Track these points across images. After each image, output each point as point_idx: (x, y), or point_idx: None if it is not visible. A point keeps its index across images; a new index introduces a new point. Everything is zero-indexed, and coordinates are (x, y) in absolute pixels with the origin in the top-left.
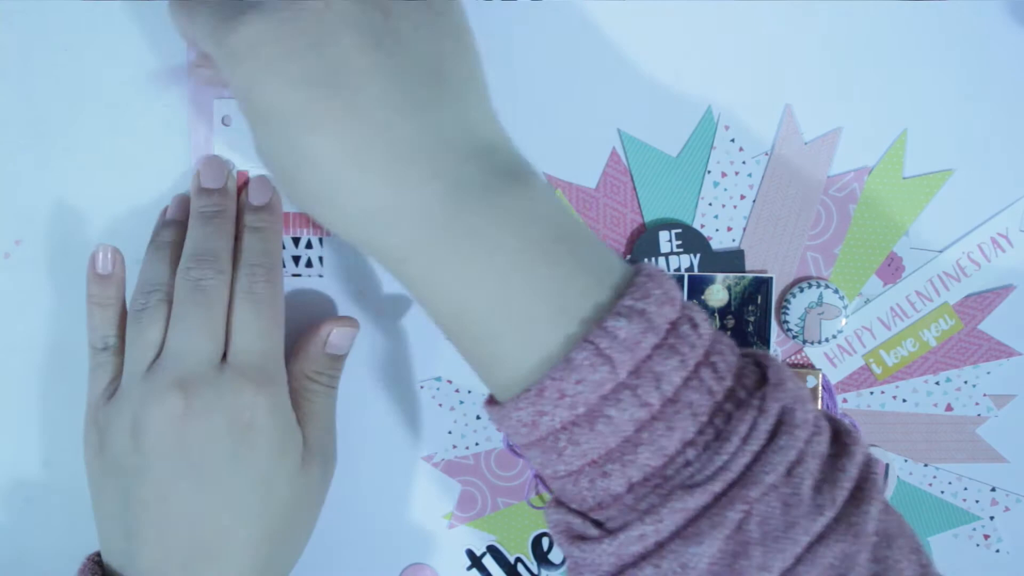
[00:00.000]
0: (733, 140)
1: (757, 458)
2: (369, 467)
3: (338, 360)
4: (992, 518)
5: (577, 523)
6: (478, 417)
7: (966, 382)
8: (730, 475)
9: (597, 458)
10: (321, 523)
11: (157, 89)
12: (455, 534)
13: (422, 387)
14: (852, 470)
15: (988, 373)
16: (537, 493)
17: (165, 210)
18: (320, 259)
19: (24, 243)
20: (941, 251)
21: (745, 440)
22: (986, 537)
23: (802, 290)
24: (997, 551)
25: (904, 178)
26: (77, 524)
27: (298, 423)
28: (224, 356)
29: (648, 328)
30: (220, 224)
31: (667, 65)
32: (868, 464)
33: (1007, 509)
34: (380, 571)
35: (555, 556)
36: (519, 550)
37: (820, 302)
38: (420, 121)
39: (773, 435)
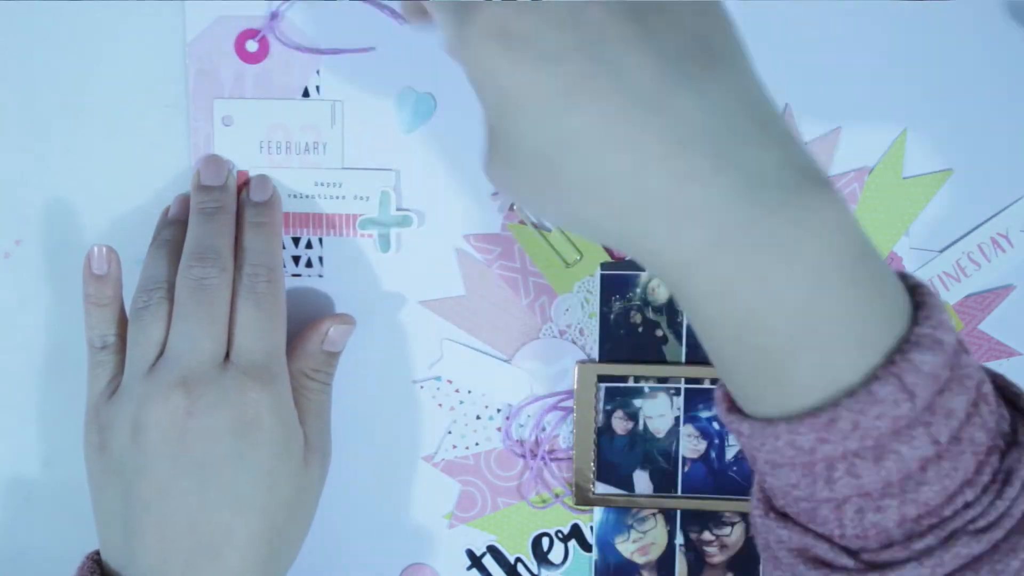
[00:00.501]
0: None
1: None
2: (369, 467)
3: (334, 357)
4: None
5: (823, 548)
6: (478, 417)
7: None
8: (1011, 521)
9: (873, 491)
10: (321, 523)
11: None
12: (455, 534)
13: (422, 387)
14: None
15: None
16: (537, 493)
17: (167, 210)
18: (320, 259)
19: (24, 243)
20: (941, 251)
21: None
22: None
23: None
24: None
25: (904, 178)
26: (77, 524)
27: (298, 421)
28: (227, 355)
29: (947, 360)
30: (221, 221)
31: None
32: None
33: None
34: (380, 571)
35: (555, 556)
36: (519, 550)
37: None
38: (698, 97)
39: None
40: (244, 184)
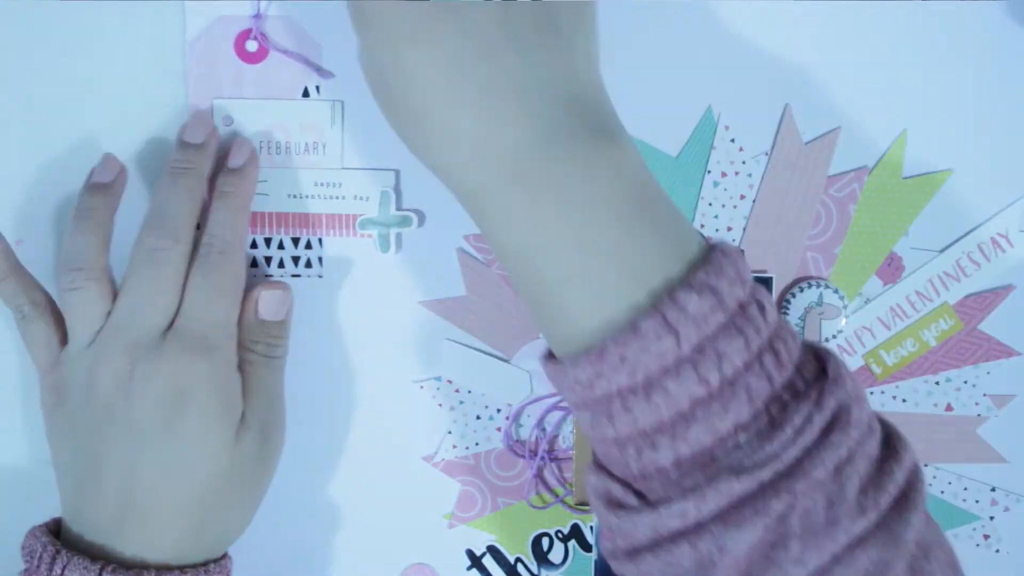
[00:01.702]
0: (733, 140)
1: (808, 452)
2: (369, 467)
3: (274, 327)
4: (992, 518)
5: (617, 490)
6: (478, 417)
7: (966, 382)
8: (779, 465)
9: (648, 428)
10: (322, 522)
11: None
12: (455, 534)
13: (422, 387)
14: (899, 476)
15: (988, 373)
16: (537, 493)
17: (92, 171)
18: (320, 259)
19: (24, 243)
20: (941, 251)
21: (798, 432)
22: (986, 537)
23: (802, 290)
24: (997, 551)
25: (904, 178)
26: None
27: (241, 395)
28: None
29: (717, 306)
30: (187, 185)
31: (667, 66)
32: (915, 472)
33: (1007, 509)
34: (380, 571)
35: (555, 556)
36: (519, 550)
37: (820, 302)
38: (524, 60)
39: (826, 431)
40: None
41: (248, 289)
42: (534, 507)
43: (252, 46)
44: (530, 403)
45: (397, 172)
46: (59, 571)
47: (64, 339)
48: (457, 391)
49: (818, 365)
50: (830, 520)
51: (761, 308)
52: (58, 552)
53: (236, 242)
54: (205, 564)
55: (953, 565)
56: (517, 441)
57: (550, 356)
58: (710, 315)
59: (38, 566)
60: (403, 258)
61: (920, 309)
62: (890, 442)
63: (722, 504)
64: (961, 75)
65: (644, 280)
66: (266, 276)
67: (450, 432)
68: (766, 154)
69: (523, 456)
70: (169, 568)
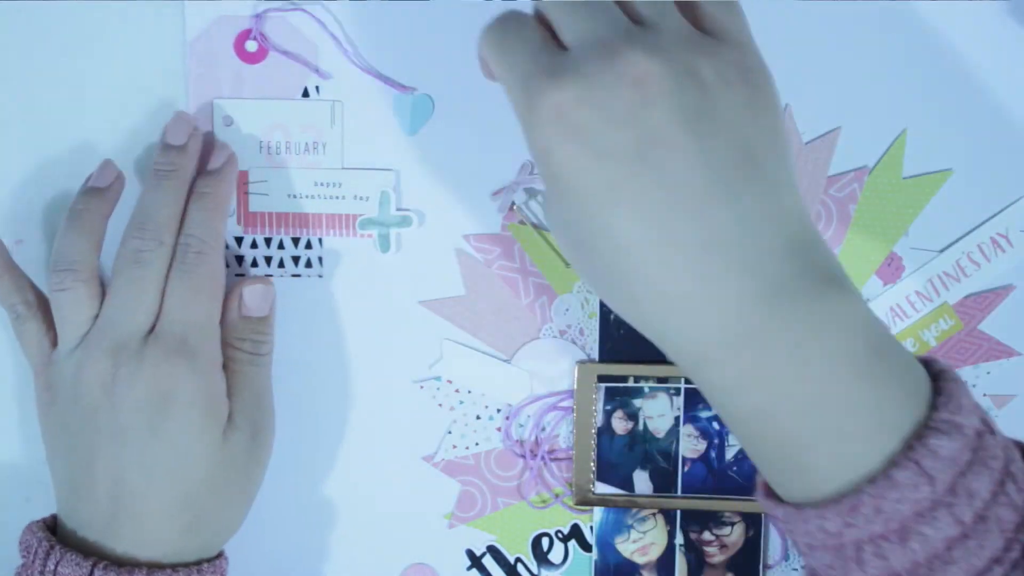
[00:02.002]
0: None
1: None
2: (369, 467)
3: (259, 324)
4: None
5: None
6: (478, 417)
7: (966, 382)
8: None
9: (902, 571)
10: (322, 523)
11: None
12: (455, 534)
13: (422, 387)
14: None
15: (988, 373)
16: (537, 493)
17: (89, 176)
18: (320, 259)
19: (24, 243)
20: (941, 251)
21: None
22: None
23: None
24: None
25: (904, 178)
26: None
27: (227, 394)
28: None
29: (965, 443)
30: (170, 187)
31: None
32: None
33: None
34: (380, 571)
35: (555, 556)
36: (519, 550)
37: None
38: (733, 208)
39: None
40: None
41: (230, 287)
42: (534, 507)
43: (252, 46)
44: (530, 403)
45: (397, 172)
46: (52, 566)
47: (56, 339)
48: (457, 391)
49: None
50: None
51: (992, 431)
52: (52, 548)
53: (212, 242)
54: (198, 563)
55: None
56: (517, 441)
57: (774, 496)
58: (960, 455)
59: (33, 561)
60: (403, 258)
61: (920, 309)
62: None
63: None
64: (961, 75)
65: (893, 429)
66: (266, 276)
67: (450, 432)
68: None
69: (523, 456)
70: (160, 566)
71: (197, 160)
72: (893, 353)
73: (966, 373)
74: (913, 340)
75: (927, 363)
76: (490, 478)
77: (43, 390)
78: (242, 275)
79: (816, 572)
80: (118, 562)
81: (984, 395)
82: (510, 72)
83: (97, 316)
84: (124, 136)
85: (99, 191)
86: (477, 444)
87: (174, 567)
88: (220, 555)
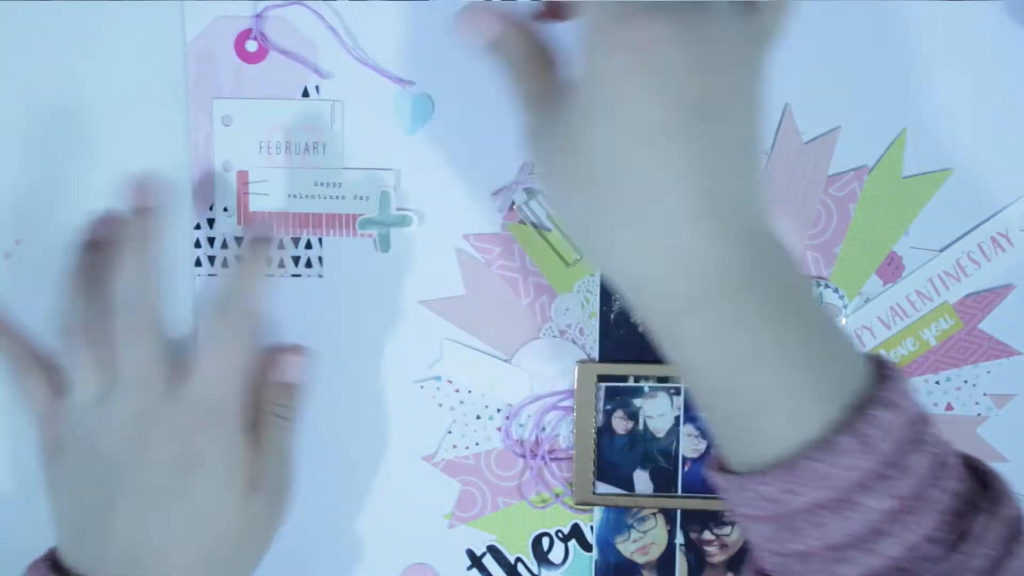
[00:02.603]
0: None
1: (996, 562)
2: (369, 467)
3: (292, 390)
4: None
5: None
6: (478, 417)
7: (966, 381)
8: (968, 575)
9: (838, 543)
10: (322, 522)
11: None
12: (455, 534)
13: (422, 387)
14: None
15: (988, 372)
16: (537, 493)
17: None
18: (320, 259)
19: (24, 243)
20: (941, 250)
21: (982, 542)
22: None
23: None
24: None
25: (904, 177)
26: None
27: (251, 453)
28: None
29: (907, 422)
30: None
31: None
32: None
33: None
34: (380, 571)
35: (555, 556)
36: (519, 550)
37: (820, 301)
38: (751, 178)
39: (1008, 541)
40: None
41: (269, 352)
42: (534, 507)
43: (252, 46)
44: (530, 403)
45: (397, 172)
46: None
47: (60, 389)
48: (457, 391)
49: (973, 475)
50: None
51: (931, 424)
52: None
53: (255, 313)
54: None
55: None
56: (517, 441)
57: (722, 468)
58: (901, 432)
59: None
60: (403, 258)
61: (920, 308)
62: None
63: None
64: (960, 74)
65: (839, 394)
66: (265, 276)
67: (450, 432)
68: (766, 154)
69: (523, 456)
70: None
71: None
72: (842, 333)
73: (966, 372)
74: (914, 339)
75: (874, 357)
76: (490, 478)
77: (48, 442)
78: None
79: (756, 547)
80: None
81: (984, 394)
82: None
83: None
84: (124, 136)
85: (92, 244)
86: (477, 444)
87: None
88: None
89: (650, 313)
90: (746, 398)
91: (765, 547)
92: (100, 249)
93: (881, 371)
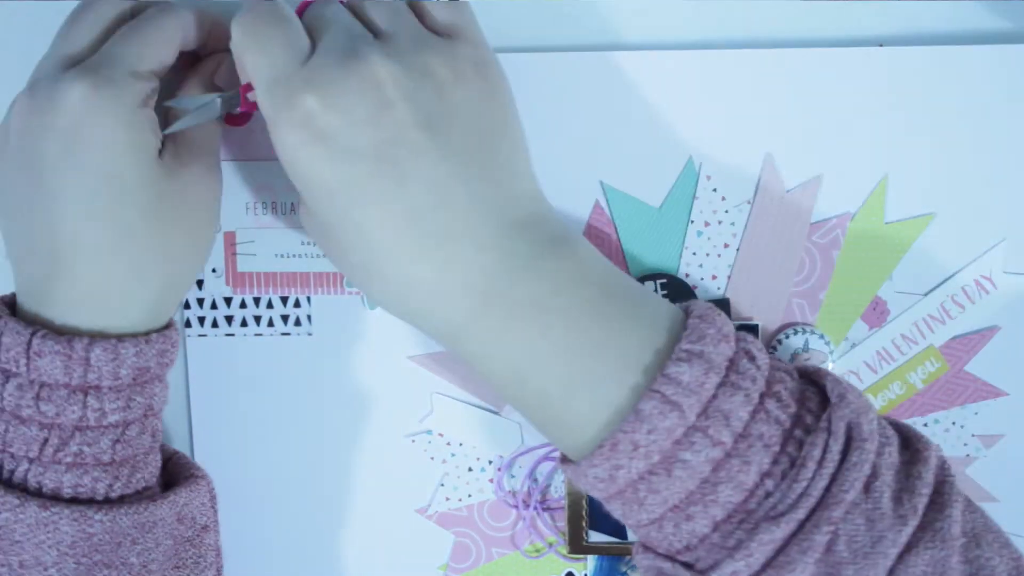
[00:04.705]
0: (715, 190)
1: (834, 479)
2: (363, 521)
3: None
4: None
5: (667, 567)
6: (470, 469)
7: (954, 423)
8: (811, 500)
9: (679, 502)
10: (318, 575)
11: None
12: None
13: (413, 441)
14: (928, 475)
15: (976, 414)
16: (531, 543)
17: None
18: (308, 317)
19: None
20: (925, 294)
21: (820, 463)
22: None
23: (788, 336)
24: None
25: (886, 223)
26: None
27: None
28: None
29: (709, 368)
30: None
31: (648, 117)
32: (942, 467)
33: None
34: None
35: None
36: None
37: (806, 348)
38: (470, 197)
39: (845, 452)
40: None
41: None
42: (528, 557)
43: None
44: (521, 454)
45: None
46: None
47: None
48: (448, 444)
49: (818, 390)
50: (875, 537)
51: (751, 357)
52: None
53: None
54: (147, 333)
55: (1005, 544)
56: (510, 492)
57: (565, 459)
58: (704, 379)
59: None
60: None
61: (906, 352)
62: (910, 444)
63: (769, 553)
64: (940, 120)
65: (636, 364)
66: (255, 335)
67: (443, 484)
68: (748, 202)
69: (516, 506)
70: (105, 335)
71: None
72: (631, 294)
73: (954, 414)
74: (900, 383)
75: (688, 307)
76: (484, 529)
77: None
78: (231, 335)
79: (620, 522)
80: (57, 330)
81: (973, 435)
82: (257, 73)
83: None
84: None
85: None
86: (470, 496)
87: (119, 337)
88: (170, 324)
89: (438, 340)
90: (547, 395)
91: (626, 523)
92: None
93: (687, 320)
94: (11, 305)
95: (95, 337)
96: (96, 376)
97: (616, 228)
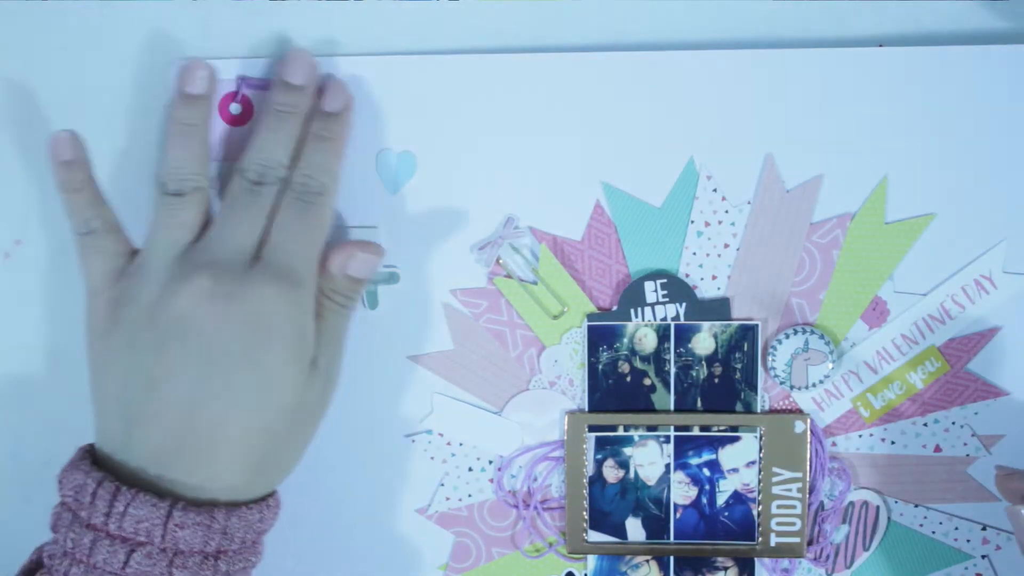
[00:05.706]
0: (715, 190)
1: None
2: (364, 521)
3: (357, 284)
4: (984, 557)
5: None
6: (470, 469)
7: (954, 423)
8: None
9: None
10: (317, 574)
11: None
12: None
13: (414, 441)
14: None
15: (976, 414)
16: (531, 542)
17: (183, 71)
18: None
19: (24, 243)
20: (925, 294)
21: None
22: None
23: (788, 336)
24: None
25: (886, 223)
26: None
27: (315, 331)
28: (261, 255)
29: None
30: (292, 127)
31: (648, 117)
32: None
33: (998, 548)
34: None
35: None
36: None
37: (806, 348)
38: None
39: None
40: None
41: (339, 243)
42: (528, 556)
43: (236, 108)
44: (521, 454)
45: (380, 230)
46: (122, 508)
47: (128, 258)
48: (448, 444)
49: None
50: None
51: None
52: (118, 489)
53: (332, 185)
54: (265, 499)
55: None
56: (509, 492)
57: None
58: None
59: (92, 502)
60: (391, 314)
61: (907, 352)
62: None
63: None
64: (940, 120)
65: None
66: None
67: (443, 484)
68: (749, 203)
69: (516, 506)
70: (235, 504)
71: (313, 98)
72: None
73: (954, 414)
74: (901, 383)
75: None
76: (484, 529)
77: (105, 309)
78: None
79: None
80: (190, 500)
81: (973, 435)
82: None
83: (197, 240)
84: (123, 136)
85: (200, 98)
86: (470, 496)
87: (247, 504)
88: (274, 493)
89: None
90: None
91: None
92: (203, 103)
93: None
94: (95, 463)
95: (231, 507)
96: (229, 542)
97: (616, 228)
